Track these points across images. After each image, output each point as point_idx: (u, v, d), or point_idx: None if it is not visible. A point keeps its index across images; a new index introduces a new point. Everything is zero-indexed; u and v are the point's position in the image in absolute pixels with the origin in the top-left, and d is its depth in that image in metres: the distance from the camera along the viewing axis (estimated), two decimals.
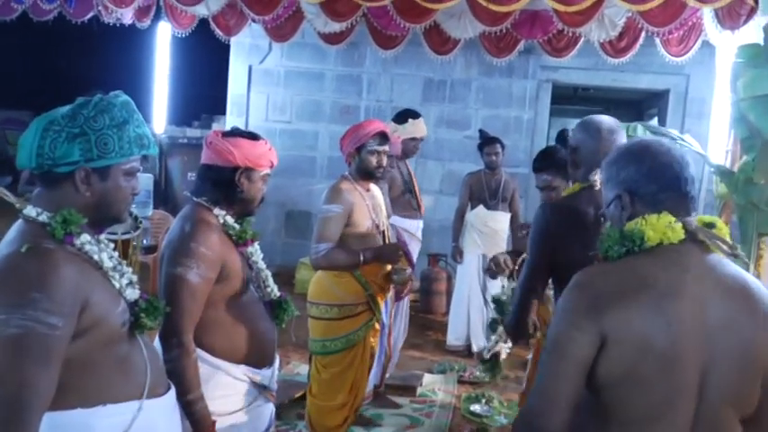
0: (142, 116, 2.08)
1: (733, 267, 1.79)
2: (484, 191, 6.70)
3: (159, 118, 10.56)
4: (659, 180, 1.82)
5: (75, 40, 9.48)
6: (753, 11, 5.37)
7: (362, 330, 4.11)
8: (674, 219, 1.78)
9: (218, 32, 7.76)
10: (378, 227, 4.20)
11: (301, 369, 5.64)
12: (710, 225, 1.84)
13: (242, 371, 2.58)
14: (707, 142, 7.99)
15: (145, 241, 8.17)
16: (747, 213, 5.45)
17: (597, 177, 2.75)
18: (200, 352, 2.48)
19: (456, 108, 9.32)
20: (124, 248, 5.42)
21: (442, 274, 8.27)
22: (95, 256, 1.91)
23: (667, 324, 1.68)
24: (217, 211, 2.61)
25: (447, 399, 5.63)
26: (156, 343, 2.40)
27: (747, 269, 1.83)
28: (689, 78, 8.68)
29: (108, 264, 1.95)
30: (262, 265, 2.76)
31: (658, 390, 1.69)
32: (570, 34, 6.97)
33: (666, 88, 8.92)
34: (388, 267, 4.21)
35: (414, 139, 5.51)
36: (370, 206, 4.15)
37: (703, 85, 8.49)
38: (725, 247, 1.77)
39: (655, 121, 10.07)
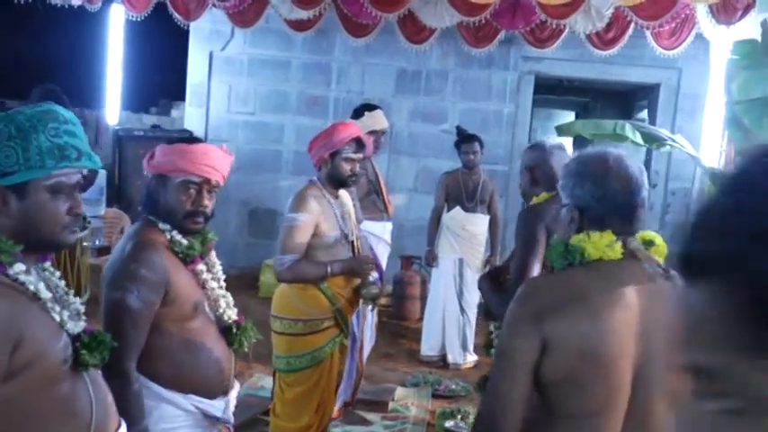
0: (94, 103, 1.99)
1: (664, 280, 2.03)
2: (461, 192, 6.70)
3: (113, 107, 10.44)
4: (609, 205, 2.06)
5: (17, 21, 9.35)
6: (749, 6, 5.43)
7: (329, 347, 4.09)
8: (614, 238, 2.04)
9: (177, 17, 7.70)
10: (346, 237, 4.18)
11: (266, 382, 5.60)
12: (650, 243, 2.11)
13: (190, 401, 2.54)
14: (700, 141, 8.07)
15: (97, 242, 8.09)
16: None
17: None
18: (144, 381, 2.45)
19: (432, 100, 9.30)
20: (71, 251, 5.41)
21: (416, 278, 8.27)
22: (31, 287, 1.85)
23: (602, 332, 1.95)
24: (162, 225, 2.56)
25: (420, 414, 5.63)
26: None
27: None
28: (681, 72, 8.72)
29: (45, 295, 1.87)
30: (215, 284, 2.68)
31: (596, 390, 1.97)
32: (554, 25, 6.98)
33: (657, 82, 8.96)
34: (357, 281, 4.19)
35: (373, 132, 5.47)
36: (339, 215, 4.13)
37: (697, 80, 8.54)
38: (658, 269, 2.03)
39: (645, 114, 10.13)
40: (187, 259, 2.56)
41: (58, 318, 1.90)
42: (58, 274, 2.01)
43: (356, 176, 4.19)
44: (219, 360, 2.63)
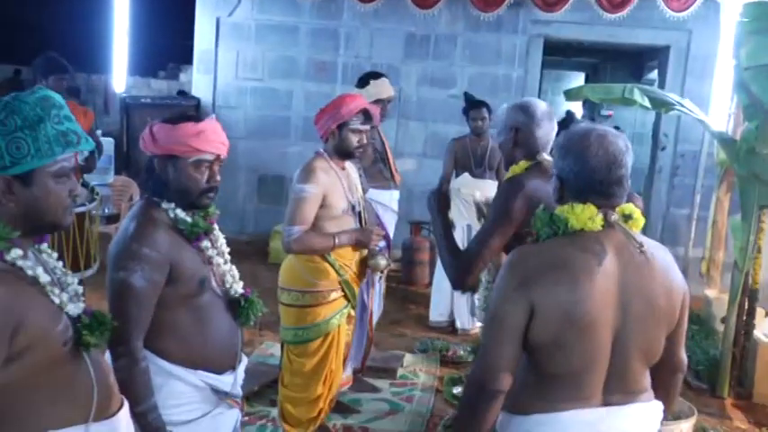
0: (101, 68, 2.00)
1: (642, 248, 2.25)
2: (469, 158, 6.71)
3: (119, 74, 10.43)
4: (586, 180, 2.26)
5: None
6: None
7: (336, 319, 4.14)
8: (596, 211, 2.24)
9: None
10: (353, 207, 4.19)
11: (275, 350, 5.66)
12: (629, 216, 2.29)
13: (199, 377, 2.56)
14: (709, 104, 8.02)
15: (106, 210, 8.14)
16: (748, 185, 5.50)
17: (545, 158, 3.17)
18: (152, 357, 2.47)
19: (440, 65, 9.24)
20: (80, 221, 5.45)
21: (425, 244, 8.30)
22: (30, 272, 1.88)
23: (583, 298, 2.15)
24: (165, 204, 2.56)
25: (429, 381, 5.70)
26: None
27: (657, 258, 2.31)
28: (691, 34, 8.63)
29: (44, 278, 1.91)
30: (220, 260, 2.68)
31: (578, 351, 2.19)
32: None
33: (667, 44, 8.86)
34: (365, 252, 4.22)
35: (379, 101, 5.47)
36: (347, 186, 4.15)
37: (707, 43, 8.45)
38: (634, 242, 2.24)
39: (655, 75, 10.06)
40: (191, 237, 2.57)
41: (57, 300, 1.93)
42: (55, 255, 2.03)
43: (363, 148, 4.21)
44: (227, 335, 2.65)
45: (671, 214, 8.80)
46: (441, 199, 3.30)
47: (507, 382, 2.22)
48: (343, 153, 4.12)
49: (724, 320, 5.80)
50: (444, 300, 6.86)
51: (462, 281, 3.17)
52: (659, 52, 9.40)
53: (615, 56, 13.81)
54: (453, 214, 6.67)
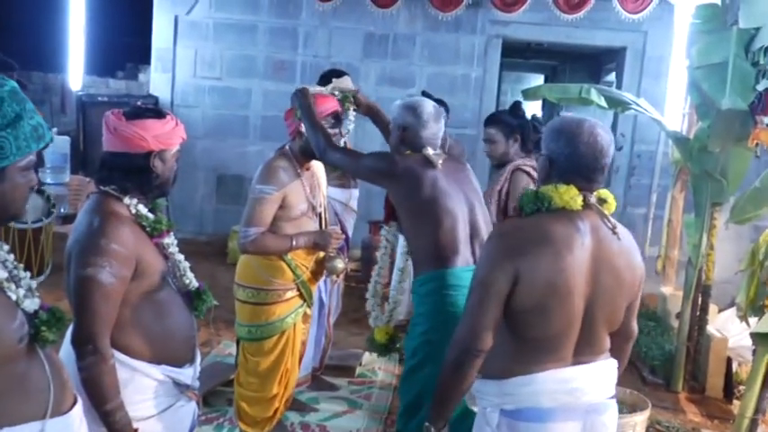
0: (58, 67, 1.98)
1: (613, 229, 2.55)
2: None
3: (75, 73, 10.31)
4: (574, 163, 2.51)
5: None
6: None
7: (292, 317, 4.13)
8: (577, 192, 2.50)
9: None
10: (314, 209, 4.19)
11: (233, 349, 5.62)
12: (604, 200, 2.58)
13: (162, 371, 2.56)
14: (664, 104, 8.14)
15: (62, 209, 8.07)
16: (701, 182, 5.59)
17: (430, 152, 3.54)
18: (117, 354, 2.45)
19: (399, 65, 9.29)
20: (35, 234, 5.40)
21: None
22: None
23: (562, 269, 2.41)
24: (127, 200, 2.57)
25: (387, 379, 5.70)
26: (66, 350, 2.40)
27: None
28: (646, 36, 8.77)
29: (1, 275, 1.88)
30: (179, 256, 2.71)
31: (557, 316, 2.44)
32: None
33: (623, 45, 9.01)
34: (321, 253, 4.23)
35: None
36: (308, 187, 4.12)
37: (661, 44, 8.60)
38: (607, 222, 2.54)
39: (613, 77, 10.19)
40: (154, 233, 2.58)
41: (14, 296, 1.90)
42: (6, 247, 1.99)
43: None
44: (186, 328, 2.68)
45: (627, 213, 8.90)
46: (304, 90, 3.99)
47: (489, 342, 2.46)
48: (308, 154, 4.04)
49: (678, 316, 5.89)
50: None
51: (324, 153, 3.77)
52: (616, 54, 9.54)
53: (574, 58, 13.92)
54: None
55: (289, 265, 4.07)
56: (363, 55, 9.29)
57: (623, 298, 2.59)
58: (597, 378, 2.58)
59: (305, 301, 4.20)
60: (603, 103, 5.80)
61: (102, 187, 2.58)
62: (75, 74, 10.47)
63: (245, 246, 3.95)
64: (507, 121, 4.75)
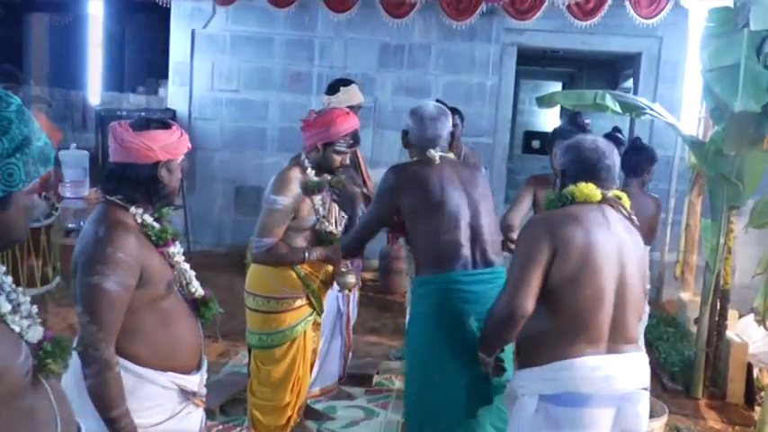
0: (79, 84, 1.88)
1: (629, 222, 2.92)
2: None
3: (94, 85, 10.40)
4: (582, 168, 2.91)
5: None
6: None
7: (301, 326, 4.14)
8: (595, 187, 2.86)
9: None
10: (327, 221, 4.18)
11: None
12: (619, 197, 2.93)
13: (169, 378, 2.59)
14: (680, 109, 8.10)
15: (81, 222, 8.11)
16: (717, 186, 5.56)
17: (435, 154, 3.58)
18: (123, 362, 2.46)
19: (415, 74, 9.30)
20: (35, 236, 5.40)
21: (402, 252, 8.26)
22: None
23: (593, 244, 2.72)
24: (133, 210, 2.58)
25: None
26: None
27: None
28: (662, 41, 8.72)
29: (5, 308, 1.74)
30: (184, 265, 2.74)
31: (589, 289, 2.71)
32: None
33: (639, 51, 8.96)
34: (330, 268, 4.24)
35: (350, 107, 5.48)
36: (320, 201, 4.12)
37: (677, 48, 8.55)
38: (623, 212, 2.91)
39: (631, 84, 10.16)
40: (160, 242, 2.60)
41: (17, 328, 1.77)
42: (2, 269, 1.85)
43: (344, 167, 4.19)
44: (192, 335, 2.69)
45: None
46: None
47: (530, 309, 2.74)
48: (323, 169, 4.07)
49: (697, 322, 5.84)
50: None
51: (356, 244, 3.80)
52: (633, 60, 9.50)
53: (591, 65, 13.95)
54: None
55: (298, 275, 4.08)
56: (379, 65, 9.31)
57: (642, 287, 2.89)
58: (630, 368, 2.80)
59: (314, 309, 4.21)
60: (618, 109, 5.80)
61: (108, 197, 2.59)
62: (95, 90, 10.56)
63: (259, 256, 3.98)
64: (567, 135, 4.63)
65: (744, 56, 4.78)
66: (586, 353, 2.73)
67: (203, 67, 9.58)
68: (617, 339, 2.77)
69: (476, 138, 8.45)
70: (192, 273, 2.78)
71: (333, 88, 5.54)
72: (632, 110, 5.95)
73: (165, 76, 10.02)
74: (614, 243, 2.78)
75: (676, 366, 5.99)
